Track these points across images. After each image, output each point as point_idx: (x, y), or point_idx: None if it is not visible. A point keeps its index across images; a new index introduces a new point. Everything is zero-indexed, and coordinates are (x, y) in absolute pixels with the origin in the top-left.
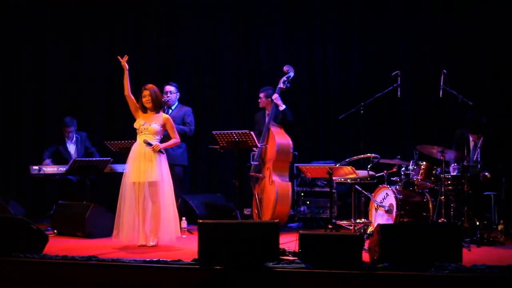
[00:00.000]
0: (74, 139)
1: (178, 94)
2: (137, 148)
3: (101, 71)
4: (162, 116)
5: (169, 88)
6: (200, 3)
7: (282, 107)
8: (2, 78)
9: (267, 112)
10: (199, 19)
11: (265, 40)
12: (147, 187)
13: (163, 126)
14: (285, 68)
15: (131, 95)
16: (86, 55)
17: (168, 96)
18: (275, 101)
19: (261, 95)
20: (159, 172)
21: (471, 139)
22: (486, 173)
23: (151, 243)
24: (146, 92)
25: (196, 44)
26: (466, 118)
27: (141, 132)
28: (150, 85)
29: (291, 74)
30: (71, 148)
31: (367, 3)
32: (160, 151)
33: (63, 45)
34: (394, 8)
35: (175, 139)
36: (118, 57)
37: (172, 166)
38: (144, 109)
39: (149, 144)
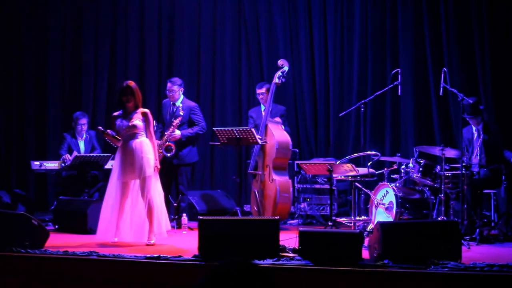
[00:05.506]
0: (85, 136)
1: (180, 88)
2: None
3: (103, 65)
4: None
5: (170, 86)
6: None
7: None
8: (3, 73)
9: (263, 108)
10: (200, 13)
11: (266, 37)
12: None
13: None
14: (280, 62)
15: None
16: (88, 47)
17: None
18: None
19: (263, 90)
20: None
21: (473, 129)
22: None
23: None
24: None
25: (196, 40)
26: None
27: None
28: None
29: (286, 68)
30: (81, 145)
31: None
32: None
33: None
34: (396, 6)
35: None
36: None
37: (179, 167)
38: None
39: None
